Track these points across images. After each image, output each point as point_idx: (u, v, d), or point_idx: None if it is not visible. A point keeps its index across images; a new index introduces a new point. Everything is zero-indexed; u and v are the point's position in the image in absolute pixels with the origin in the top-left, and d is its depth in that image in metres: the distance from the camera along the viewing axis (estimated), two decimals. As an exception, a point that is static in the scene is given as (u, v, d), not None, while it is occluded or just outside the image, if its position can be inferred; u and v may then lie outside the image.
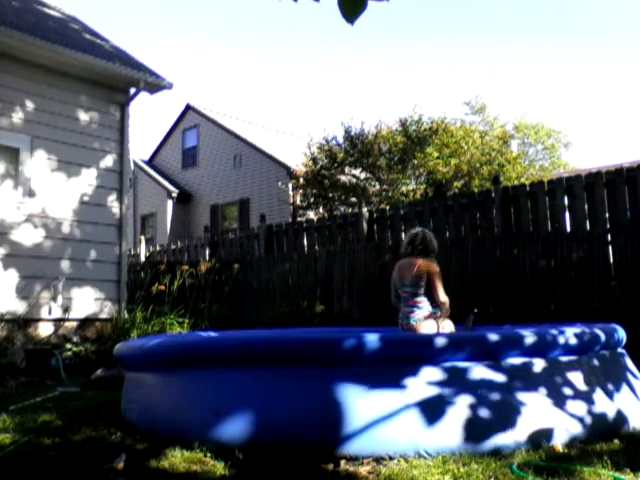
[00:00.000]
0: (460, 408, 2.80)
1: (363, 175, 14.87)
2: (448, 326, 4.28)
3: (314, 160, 15.28)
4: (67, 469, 2.68)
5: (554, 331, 3.21)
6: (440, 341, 2.97)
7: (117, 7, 57.06)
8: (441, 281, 4.31)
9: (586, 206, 6.44)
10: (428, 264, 4.30)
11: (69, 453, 2.91)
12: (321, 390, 2.88)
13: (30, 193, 7.03)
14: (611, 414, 3.11)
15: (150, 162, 22.75)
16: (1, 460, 2.82)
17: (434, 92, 50.76)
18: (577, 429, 2.94)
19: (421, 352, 3.00)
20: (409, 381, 2.86)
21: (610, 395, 3.19)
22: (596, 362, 3.35)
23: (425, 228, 4.78)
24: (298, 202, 16.43)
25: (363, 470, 2.62)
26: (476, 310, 4.46)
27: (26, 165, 7.03)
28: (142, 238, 13.80)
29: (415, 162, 13.83)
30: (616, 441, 2.93)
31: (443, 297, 4.27)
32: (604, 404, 3.12)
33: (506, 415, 2.84)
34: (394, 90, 52.82)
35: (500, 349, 3.07)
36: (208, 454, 2.80)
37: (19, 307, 6.77)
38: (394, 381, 2.86)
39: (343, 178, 15.01)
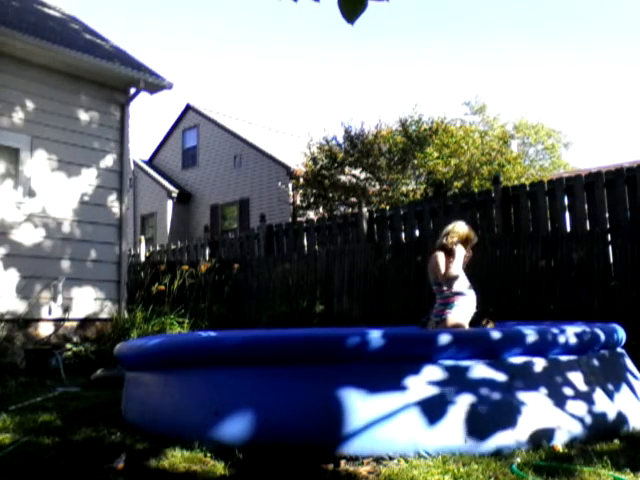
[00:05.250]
0: (460, 407, 2.80)
1: (363, 175, 14.87)
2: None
3: (314, 160, 15.28)
4: (67, 469, 2.68)
5: (555, 330, 3.21)
6: (441, 339, 2.97)
7: (117, 7, 57.10)
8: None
9: (586, 206, 6.43)
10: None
11: (69, 453, 2.91)
12: (321, 389, 2.88)
13: (30, 193, 7.03)
14: (611, 414, 3.11)
15: (150, 162, 22.74)
16: (1, 460, 2.82)
17: (434, 92, 50.76)
18: (577, 429, 2.94)
19: (422, 350, 3.00)
20: (409, 380, 2.86)
21: (610, 395, 3.19)
22: (596, 362, 3.35)
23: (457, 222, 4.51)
24: (298, 202, 16.43)
25: (363, 470, 2.62)
26: (476, 310, 4.43)
27: (26, 165, 7.03)
28: (142, 238, 13.79)
29: (415, 162, 13.83)
30: (616, 441, 2.93)
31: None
32: (604, 404, 3.12)
33: (507, 415, 2.84)
34: (394, 90, 52.84)
35: (501, 348, 3.07)
36: (208, 454, 2.80)
37: (19, 307, 6.77)
38: (394, 380, 2.86)
39: (343, 178, 15.01)
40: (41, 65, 7.23)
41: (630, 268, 5.72)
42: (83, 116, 7.65)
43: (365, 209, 8.64)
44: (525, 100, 48.05)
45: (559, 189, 6.68)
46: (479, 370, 2.95)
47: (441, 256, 4.24)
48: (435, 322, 4.19)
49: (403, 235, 8.12)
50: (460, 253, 4.24)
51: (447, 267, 4.17)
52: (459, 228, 4.35)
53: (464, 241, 4.30)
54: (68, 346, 6.67)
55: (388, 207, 9.76)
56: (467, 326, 4.15)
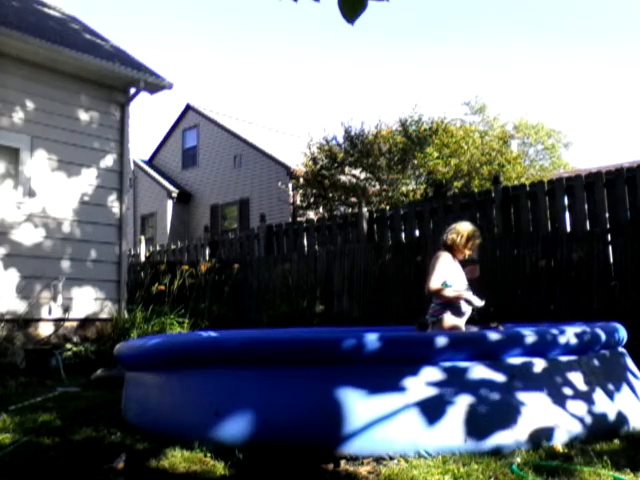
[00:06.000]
0: (460, 408, 2.80)
1: (363, 175, 14.87)
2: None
3: (314, 160, 15.28)
4: (67, 469, 2.68)
5: (554, 330, 3.21)
6: (440, 341, 2.97)
7: (117, 7, 57.09)
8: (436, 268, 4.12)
9: (586, 206, 6.43)
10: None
11: (69, 453, 2.91)
12: (321, 390, 2.88)
13: (30, 193, 7.03)
14: (611, 414, 3.11)
15: (150, 162, 22.74)
16: (1, 460, 2.82)
17: (434, 92, 50.78)
18: (577, 429, 2.94)
19: (422, 352, 3.00)
20: (409, 381, 2.86)
21: (610, 395, 3.19)
22: (596, 362, 3.35)
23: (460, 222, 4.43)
24: (298, 202, 16.43)
25: (363, 470, 2.62)
26: (474, 311, 4.42)
27: (26, 165, 7.03)
28: (142, 238, 13.79)
29: (415, 162, 13.83)
30: (616, 441, 2.93)
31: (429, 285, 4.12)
32: (604, 404, 3.12)
33: (506, 415, 2.84)
34: (394, 90, 52.84)
35: (500, 349, 3.07)
36: (208, 454, 2.80)
37: (19, 307, 6.77)
38: (394, 381, 2.86)
39: (343, 178, 15.01)
40: (41, 65, 7.23)
41: (630, 268, 5.71)
42: (83, 116, 7.65)
43: (365, 209, 8.64)
44: (525, 100, 48.09)
45: (559, 189, 6.68)
46: (479, 371, 2.95)
47: (442, 260, 4.19)
48: (431, 322, 4.17)
49: (403, 235, 8.11)
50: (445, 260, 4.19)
51: (435, 281, 4.08)
52: (461, 226, 4.31)
53: (466, 240, 4.26)
54: (68, 346, 6.67)
55: (388, 207, 9.76)
56: (463, 327, 4.14)
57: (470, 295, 4.10)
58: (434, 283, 4.08)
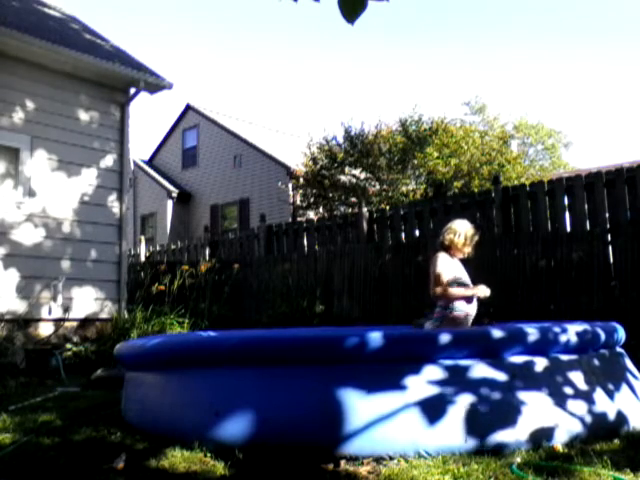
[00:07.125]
0: (460, 407, 2.79)
1: (363, 175, 14.87)
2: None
3: (314, 160, 15.28)
4: (67, 469, 2.68)
5: (556, 328, 3.20)
6: (441, 339, 2.96)
7: (117, 7, 57.09)
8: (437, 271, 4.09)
9: (586, 206, 6.43)
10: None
11: (69, 453, 2.91)
12: (321, 389, 2.88)
13: (30, 193, 7.03)
14: (611, 414, 3.10)
15: (150, 162, 22.74)
16: (1, 460, 2.82)
17: (434, 92, 50.79)
18: (577, 429, 2.94)
19: (422, 350, 2.99)
20: (409, 380, 2.85)
21: (610, 395, 3.18)
22: (596, 361, 3.35)
23: (455, 220, 4.41)
24: (298, 202, 16.43)
25: (363, 470, 2.62)
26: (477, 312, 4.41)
27: (26, 165, 7.03)
28: (142, 238, 13.79)
29: (415, 162, 13.83)
30: (616, 441, 2.93)
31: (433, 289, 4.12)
32: (604, 404, 3.12)
33: (507, 414, 2.84)
34: (394, 90, 52.84)
35: (502, 347, 3.06)
36: (208, 454, 2.80)
37: (19, 307, 6.77)
38: (394, 380, 2.86)
39: (343, 178, 15.01)
40: (41, 65, 7.23)
41: (630, 268, 5.72)
42: (83, 116, 7.65)
43: (365, 209, 8.64)
44: (525, 100, 48.08)
45: (559, 189, 6.68)
46: (479, 370, 2.94)
47: (441, 261, 4.17)
48: (435, 326, 4.13)
49: (403, 235, 8.12)
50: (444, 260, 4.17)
51: (439, 284, 4.06)
52: (457, 226, 4.29)
53: (464, 239, 4.25)
54: (68, 346, 6.67)
55: (388, 207, 9.76)
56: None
57: (476, 289, 4.10)
58: (441, 284, 4.06)
